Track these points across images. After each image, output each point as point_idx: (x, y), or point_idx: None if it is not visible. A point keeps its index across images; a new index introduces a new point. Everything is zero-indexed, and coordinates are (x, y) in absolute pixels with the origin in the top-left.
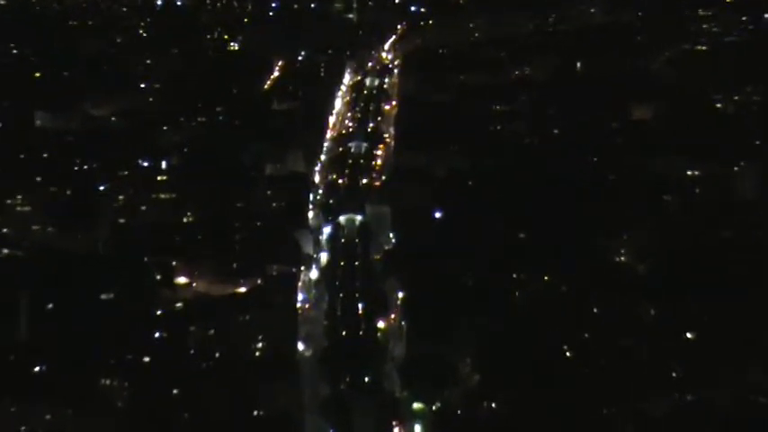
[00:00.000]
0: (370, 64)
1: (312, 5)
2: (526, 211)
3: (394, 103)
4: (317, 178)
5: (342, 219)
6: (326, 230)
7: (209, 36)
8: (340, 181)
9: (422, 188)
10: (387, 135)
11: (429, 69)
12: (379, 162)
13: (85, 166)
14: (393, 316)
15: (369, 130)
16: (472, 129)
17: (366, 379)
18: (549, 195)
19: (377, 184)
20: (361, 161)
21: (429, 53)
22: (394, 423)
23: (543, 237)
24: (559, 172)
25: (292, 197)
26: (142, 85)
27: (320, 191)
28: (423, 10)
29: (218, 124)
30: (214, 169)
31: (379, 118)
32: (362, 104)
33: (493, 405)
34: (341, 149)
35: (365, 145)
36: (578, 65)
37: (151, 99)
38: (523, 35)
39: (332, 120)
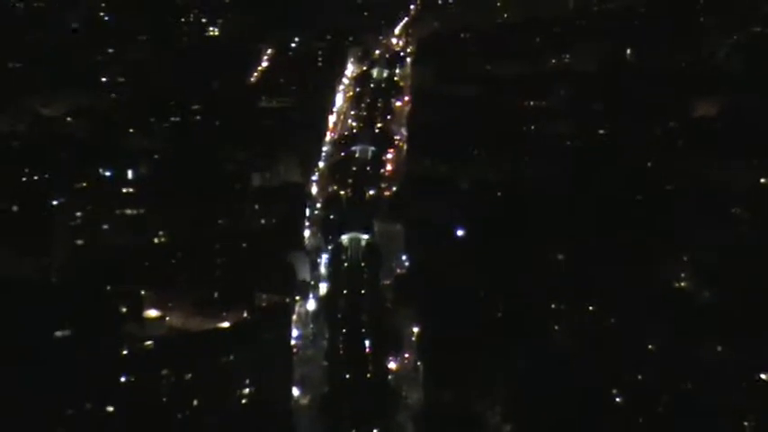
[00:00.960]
0: (377, 52)
1: None
2: (566, 228)
3: (406, 98)
4: (314, 190)
5: (345, 238)
6: (326, 253)
7: (183, 19)
8: (342, 193)
9: (441, 202)
10: (398, 137)
11: (449, 58)
12: (389, 170)
13: (35, 177)
14: (407, 355)
15: (376, 131)
16: (501, 130)
17: None
18: (594, 209)
19: (387, 196)
20: (368, 169)
21: (449, 38)
22: None
23: (587, 258)
24: (606, 180)
25: (285, 213)
26: (103, 79)
27: (318, 205)
28: None
29: (196, 126)
30: (191, 180)
31: (388, 117)
32: (368, 101)
33: None
34: (343, 155)
35: (372, 149)
36: (628, 52)
37: (114, 96)
38: (563, 16)
39: (332, 119)
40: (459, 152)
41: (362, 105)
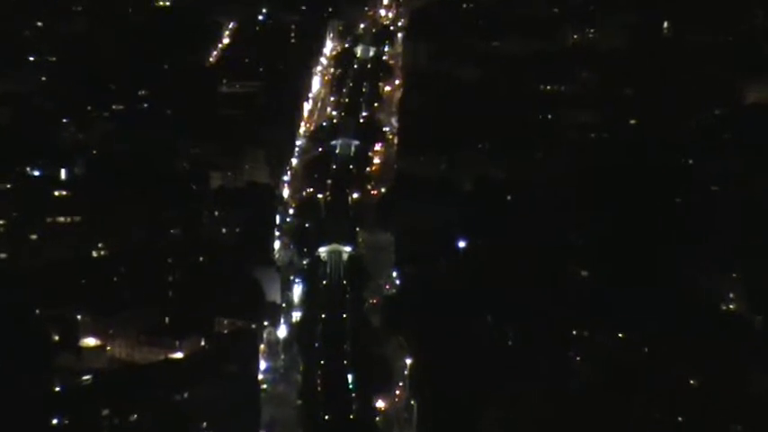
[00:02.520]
0: (361, 25)
1: None
2: (589, 237)
3: (397, 82)
4: (285, 192)
5: (323, 251)
6: (300, 268)
7: None
8: (320, 196)
9: (438, 206)
10: (387, 128)
11: (448, 32)
12: (375, 168)
13: None
14: (398, 392)
15: (361, 121)
16: (511, 120)
17: None
18: (623, 215)
19: (373, 199)
20: (351, 167)
21: (447, 9)
22: None
23: (614, 275)
24: (637, 181)
25: (251, 220)
26: (30, 59)
27: (291, 210)
28: None
29: (143, 116)
30: (136, 181)
31: (375, 104)
32: (351, 84)
33: None
34: (320, 150)
35: (355, 143)
36: (665, 25)
37: (44, 79)
38: None
39: (307, 107)
40: (460, 146)
41: (344, 90)
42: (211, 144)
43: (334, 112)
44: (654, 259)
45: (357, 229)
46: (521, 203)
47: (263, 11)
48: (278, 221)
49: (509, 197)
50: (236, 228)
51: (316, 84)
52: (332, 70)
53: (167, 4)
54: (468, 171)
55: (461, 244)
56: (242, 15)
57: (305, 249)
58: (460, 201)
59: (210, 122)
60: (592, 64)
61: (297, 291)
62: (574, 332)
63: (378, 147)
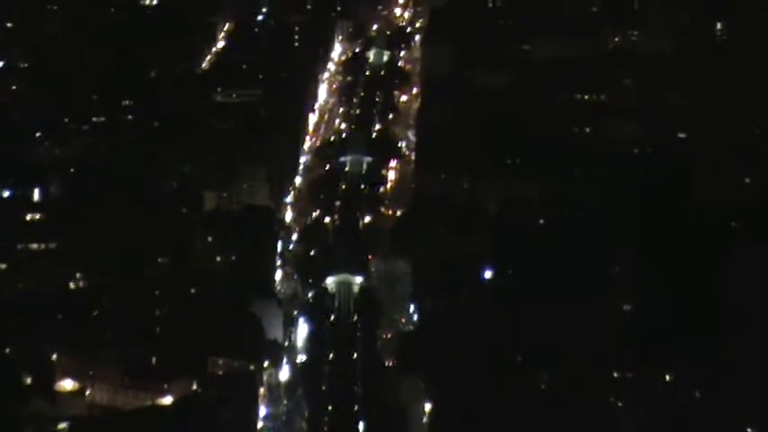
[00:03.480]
0: (374, 26)
1: None
2: (632, 268)
3: (415, 90)
4: (288, 215)
5: (330, 282)
6: (305, 301)
7: None
8: (327, 220)
9: (461, 231)
10: (403, 143)
11: (472, 35)
12: (390, 188)
13: None
14: None
15: (373, 135)
16: (544, 132)
17: None
18: (674, 243)
19: (387, 223)
20: (362, 187)
21: (471, 8)
22: None
23: (663, 311)
24: (688, 203)
25: (249, 247)
26: (0, 64)
27: (294, 236)
28: None
29: (127, 128)
30: (120, 202)
31: (390, 115)
32: (363, 94)
33: None
34: (327, 168)
35: (367, 160)
36: (718, 26)
37: (14, 87)
38: None
39: (313, 119)
40: (486, 163)
41: (355, 100)
42: (204, 161)
43: (343, 125)
44: (707, 294)
45: (369, 257)
46: (555, 228)
47: (263, 10)
48: (280, 248)
49: (542, 221)
50: (233, 256)
51: (322, 93)
52: (341, 77)
53: (154, 2)
54: (495, 191)
55: (487, 274)
56: (239, 15)
57: (310, 280)
58: (486, 225)
59: (203, 136)
60: (635, 70)
61: (301, 327)
62: (615, 374)
63: (392, 164)
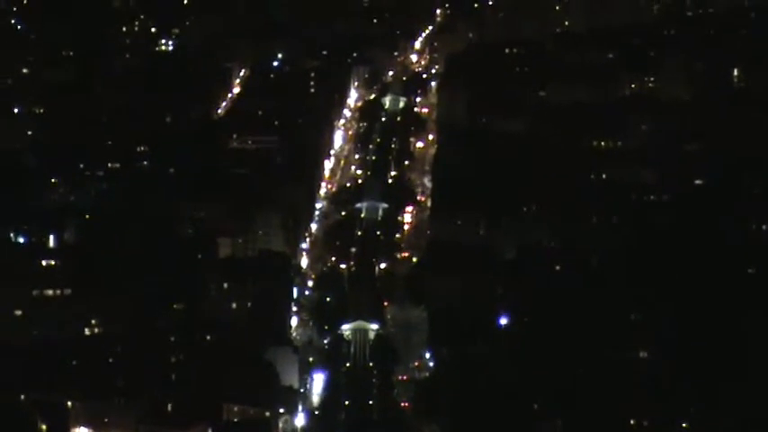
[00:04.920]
0: (390, 73)
1: None
2: (652, 316)
3: (431, 137)
4: (304, 262)
5: (346, 329)
6: (321, 348)
7: (124, 28)
8: (342, 266)
9: (478, 278)
10: (419, 190)
11: (489, 81)
12: (406, 234)
13: None
14: None
15: (389, 181)
16: (561, 179)
17: None
18: (694, 290)
19: (403, 270)
20: (378, 233)
21: (489, 53)
22: None
23: (684, 359)
24: (708, 252)
25: (264, 293)
26: (14, 110)
27: (310, 283)
28: None
29: (142, 175)
30: (135, 248)
31: (405, 162)
32: (378, 140)
33: None
34: (343, 214)
35: (383, 206)
36: (735, 72)
37: (30, 133)
38: (646, 22)
39: (328, 165)
40: (502, 209)
41: (370, 146)
42: (219, 207)
43: (358, 171)
44: (726, 342)
45: (385, 304)
46: (572, 275)
47: (279, 56)
48: (295, 295)
49: (559, 268)
50: (248, 302)
51: (338, 139)
52: (356, 123)
53: (170, 48)
54: (511, 238)
55: (504, 321)
56: (255, 61)
57: (326, 327)
58: (503, 272)
59: (219, 182)
60: (652, 116)
61: (317, 374)
62: (632, 422)
63: (408, 210)
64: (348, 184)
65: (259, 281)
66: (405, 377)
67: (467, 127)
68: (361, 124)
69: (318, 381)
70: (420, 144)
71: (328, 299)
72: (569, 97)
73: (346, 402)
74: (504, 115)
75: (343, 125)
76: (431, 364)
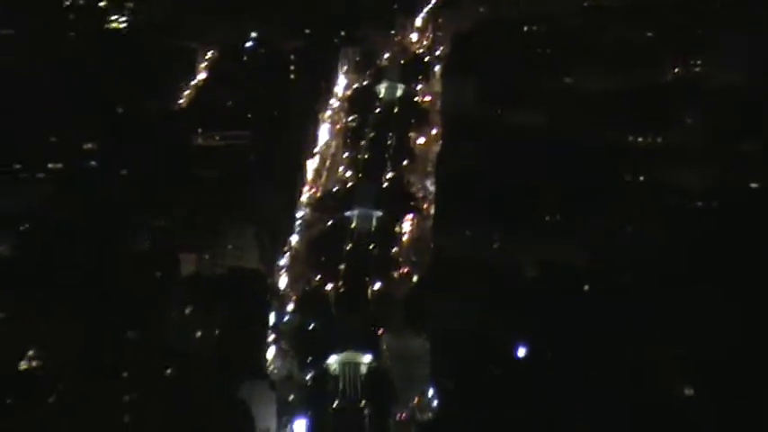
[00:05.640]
0: (386, 55)
1: None
2: (697, 345)
3: (434, 131)
4: (282, 281)
5: (333, 361)
6: (303, 384)
7: (69, 2)
8: (329, 286)
9: (490, 300)
10: (420, 195)
11: (503, 64)
12: (405, 247)
13: None
14: None
15: (384, 185)
16: (589, 182)
17: None
18: (744, 314)
19: (401, 291)
20: (371, 247)
21: (502, 32)
22: None
23: (731, 396)
24: (764, 267)
25: (236, 319)
26: None
27: (290, 307)
28: None
29: (90, 177)
30: (80, 265)
31: (404, 161)
32: (372, 135)
33: None
34: (329, 224)
35: (377, 214)
36: None
37: None
38: None
39: (312, 166)
40: (519, 218)
41: (362, 143)
42: (182, 215)
43: (348, 173)
44: None
45: (380, 331)
46: (603, 297)
47: (252, 35)
48: (272, 321)
49: (587, 287)
50: (215, 330)
51: (324, 134)
52: (346, 116)
53: (122, 24)
54: (530, 252)
55: (521, 352)
56: (223, 40)
57: (309, 359)
58: (520, 292)
59: (181, 186)
60: (699, 106)
61: (298, 415)
62: None
63: (407, 219)
64: (335, 189)
65: (229, 304)
66: (403, 416)
67: (477, 119)
68: (350, 117)
69: (300, 424)
70: (421, 140)
71: (312, 325)
72: (599, 84)
73: None
74: (521, 105)
75: (330, 118)
76: (434, 402)
